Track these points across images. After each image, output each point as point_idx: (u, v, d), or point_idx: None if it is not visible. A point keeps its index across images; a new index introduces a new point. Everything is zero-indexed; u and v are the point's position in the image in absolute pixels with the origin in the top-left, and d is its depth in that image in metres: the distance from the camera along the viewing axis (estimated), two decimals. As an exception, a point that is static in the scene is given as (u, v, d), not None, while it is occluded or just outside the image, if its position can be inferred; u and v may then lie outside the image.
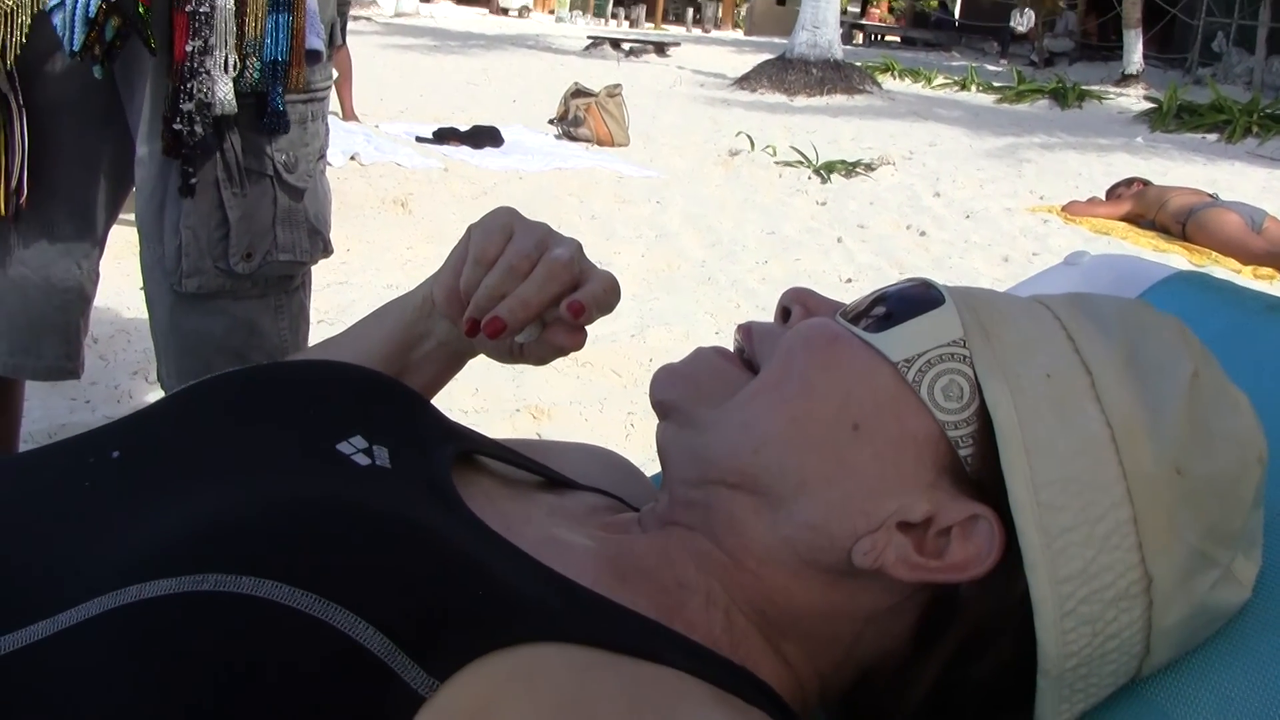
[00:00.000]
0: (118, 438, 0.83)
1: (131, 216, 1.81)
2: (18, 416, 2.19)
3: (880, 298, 0.85)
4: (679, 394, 0.86)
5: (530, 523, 0.82)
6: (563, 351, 0.91)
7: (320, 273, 1.83)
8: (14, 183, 1.75)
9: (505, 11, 30.25)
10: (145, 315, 1.86)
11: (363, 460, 0.79)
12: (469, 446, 0.90)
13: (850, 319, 0.84)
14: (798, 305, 0.89)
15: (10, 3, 1.58)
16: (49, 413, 3.13)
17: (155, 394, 1.85)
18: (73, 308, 1.96)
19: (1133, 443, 0.74)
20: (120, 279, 3.84)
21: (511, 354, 0.96)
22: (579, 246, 0.91)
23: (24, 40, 1.61)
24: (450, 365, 1.06)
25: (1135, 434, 0.74)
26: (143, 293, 1.85)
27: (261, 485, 0.74)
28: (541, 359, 0.95)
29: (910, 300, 0.83)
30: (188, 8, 1.55)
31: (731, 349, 0.90)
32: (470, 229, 0.92)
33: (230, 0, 1.56)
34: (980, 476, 0.76)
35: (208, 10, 1.55)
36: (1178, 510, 0.74)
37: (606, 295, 0.89)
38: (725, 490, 0.81)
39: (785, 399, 0.80)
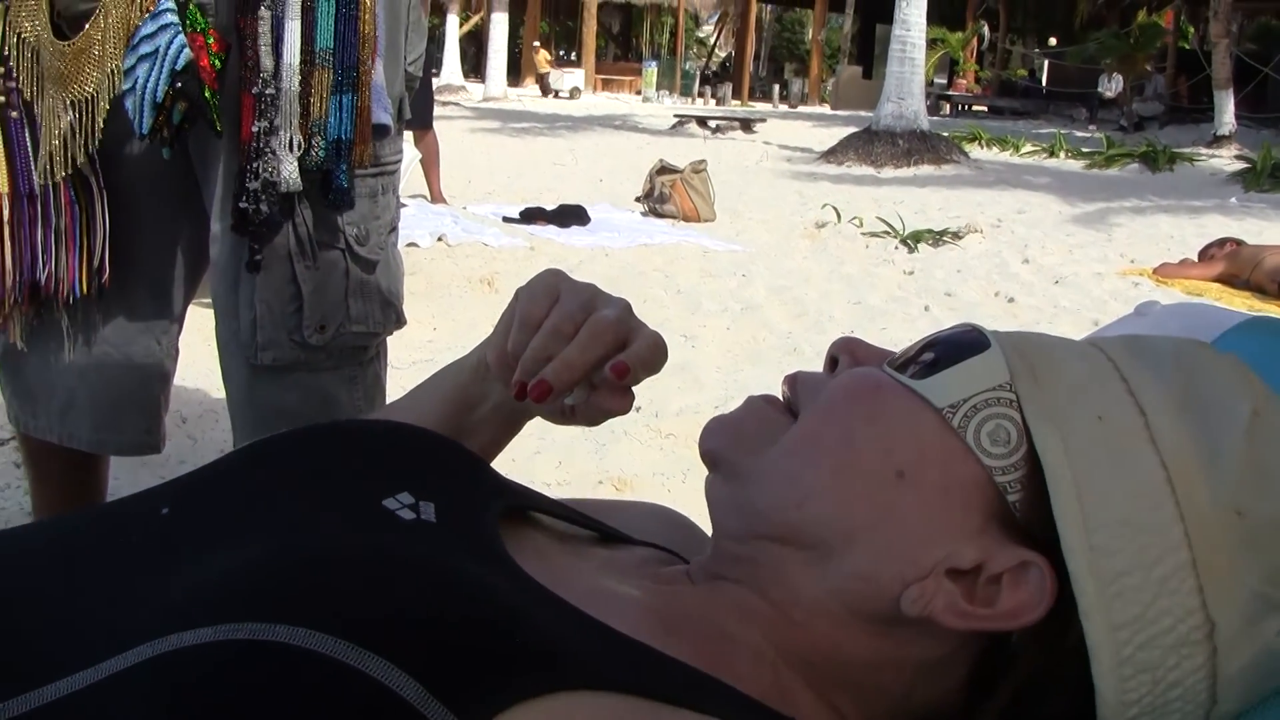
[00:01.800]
0: (169, 495, 0.85)
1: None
2: (104, 493, 2.23)
3: (927, 345, 0.84)
4: (724, 443, 0.85)
5: (578, 575, 0.82)
6: (611, 413, 0.91)
7: (407, 351, 1.85)
8: (96, 262, 1.79)
9: (555, 93, 30.36)
10: (228, 393, 1.89)
11: (408, 515, 0.80)
12: (521, 503, 0.91)
13: (896, 367, 0.83)
14: (845, 355, 0.89)
15: (91, 89, 1.63)
16: (137, 489, 3.17)
17: None
18: (153, 383, 2.00)
19: (1190, 484, 0.73)
20: (210, 360, 3.91)
21: (563, 415, 0.96)
22: (627, 306, 0.91)
23: (102, 125, 1.66)
24: (507, 427, 1.06)
25: (1192, 475, 0.73)
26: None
27: (302, 537, 0.75)
28: (592, 420, 0.94)
29: (957, 345, 0.82)
30: (254, 90, 1.59)
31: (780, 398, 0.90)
32: (518, 292, 0.93)
33: (295, 82, 1.60)
34: (1030, 522, 0.75)
35: (273, 93, 1.59)
36: (1239, 553, 0.72)
37: (652, 355, 0.89)
38: (772, 545, 0.80)
39: (828, 450, 0.79)
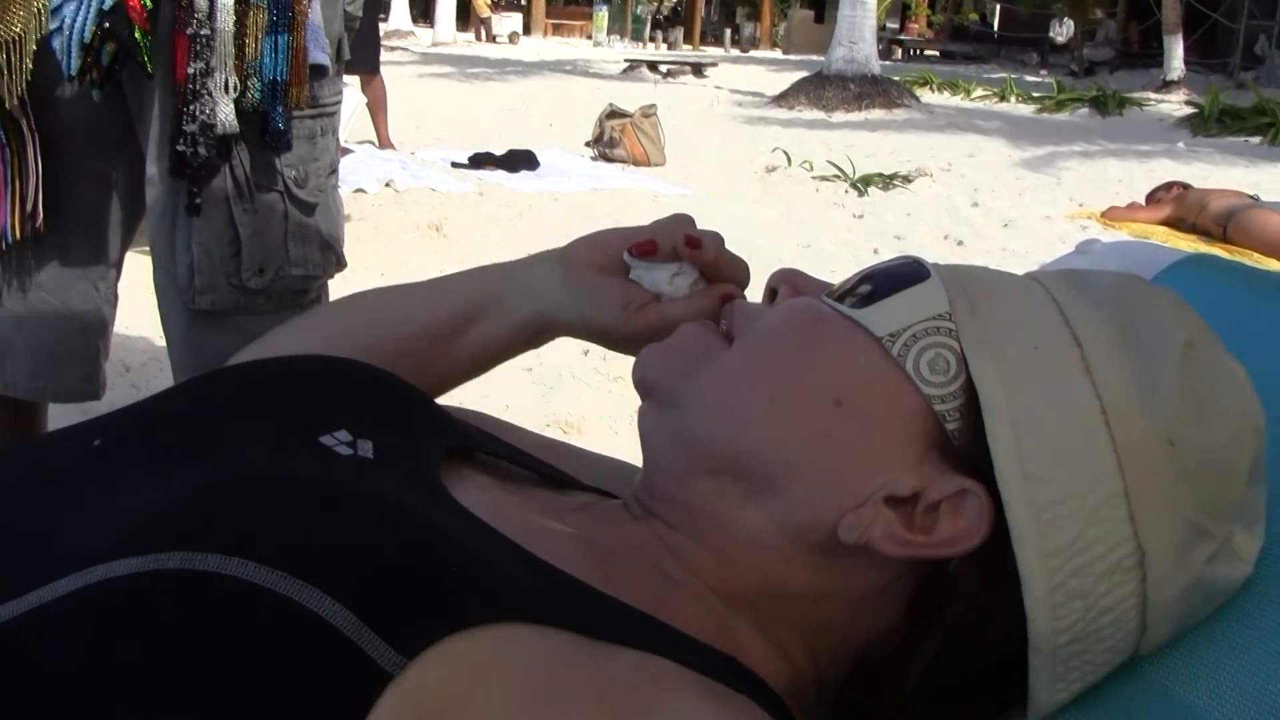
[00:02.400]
0: (101, 428, 0.83)
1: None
2: (43, 441, 2.20)
3: (866, 275, 0.84)
4: (658, 370, 0.85)
5: (519, 512, 0.81)
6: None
7: (339, 286, 1.83)
8: (29, 207, 1.76)
9: (495, 38, 29.79)
10: (173, 341, 1.87)
11: (345, 451, 0.79)
12: (465, 442, 0.89)
13: (835, 297, 0.83)
14: (785, 285, 0.88)
15: (18, 30, 1.59)
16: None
17: None
18: (92, 330, 1.97)
19: (1124, 415, 0.73)
20: (152, 309, 3.88)
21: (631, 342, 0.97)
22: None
23: (31, 66, 1.63)
24: (485, 361, 1.05)
25: (1126, 406, 0.73)
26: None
27: (234, 468, 0.74)
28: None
29: (896, 276, 0.82)
30: (188, 31, 1.56)
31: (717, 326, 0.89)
32: (677, 218, 0.99)
33: (230, 23, 1.57)
34: (969, 451, 0.75)
35: (208, 34, 1.56)
36: (1171, 482, 0.73)
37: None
38: (707, 480, 0.79)
39: (766, 378, 0.79)
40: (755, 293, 0.90)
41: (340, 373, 0.93)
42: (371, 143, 9.09)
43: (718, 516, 0.79)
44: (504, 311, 1.00)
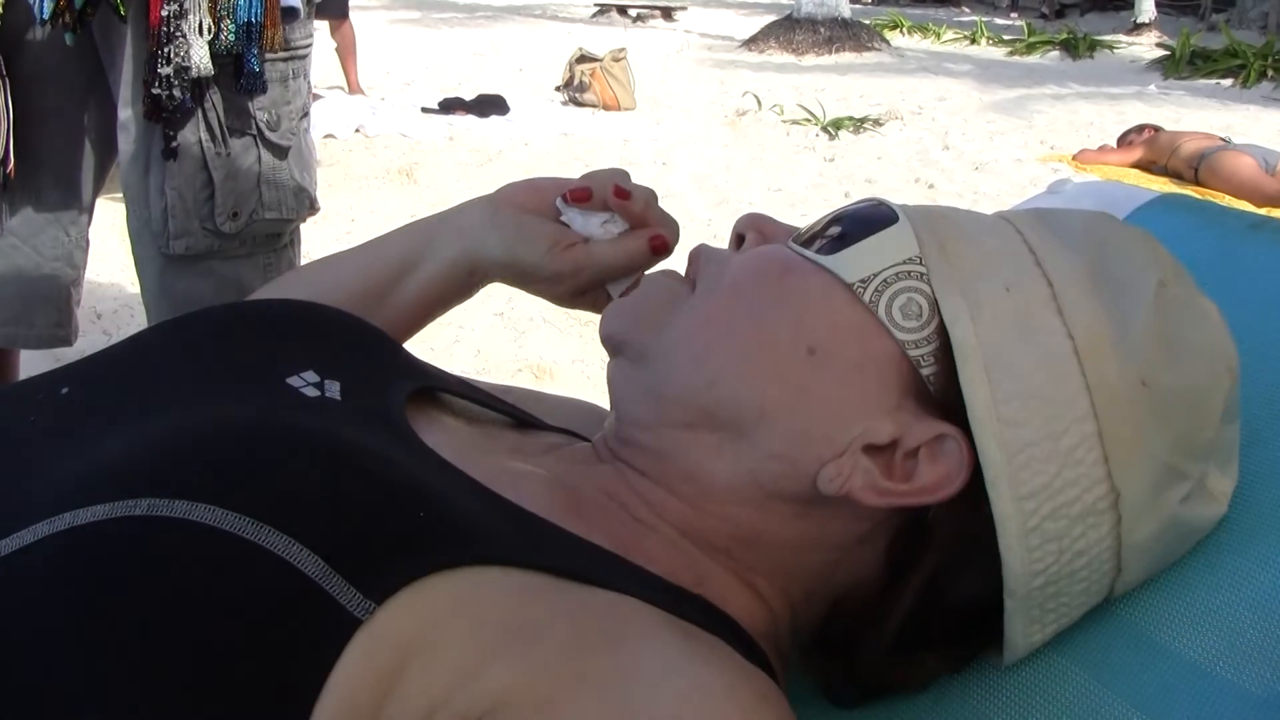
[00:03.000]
0: (69, 375, 0.82)
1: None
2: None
3: (834, 219, 0.83)
4: (626, 325, 0.84)
5: (487, 455, 0.81)
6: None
7: (324, 244, 1.83)
8: (1, 151, 1.75)
9: None
10: (146, 286, 1.86)
11: (312, 393, 0.78)
12: (432, 384, 0.89)
13: (803, 243, 0.82)
14: (752, 231, 0.87)
15: None
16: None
17: None
18: (63, 275, 1.97)
19: (1096, 355, 0.73)
20: (124, 255, 3.87)
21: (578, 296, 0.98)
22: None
23: (1, 11, 1.61)
24: (434, 306, 1.04)
25: (1099, 346, 0.73)
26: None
27: (202, 413, 0.74)
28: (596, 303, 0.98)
29: (864, 220, 0.81)
30: None
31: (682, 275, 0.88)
32: (613, 171, 0.97)
33: None
34: (946, 396, 0.75)
35: None
36: (1144, 423, 0.73)
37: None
38: (681, 432, 0.79)
39: (737, 329, 0.78)
40: (680, 259, 0.90)
41: (307, 315, 0.92)
42: (341, 88, 9.00)
43: (692, 468, 0.78)
44: (435, 257, 1.00)
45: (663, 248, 0.94)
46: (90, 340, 2.07)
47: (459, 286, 1.02)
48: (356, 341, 0.90)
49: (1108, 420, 0.72)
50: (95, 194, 1.99)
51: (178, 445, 0.68)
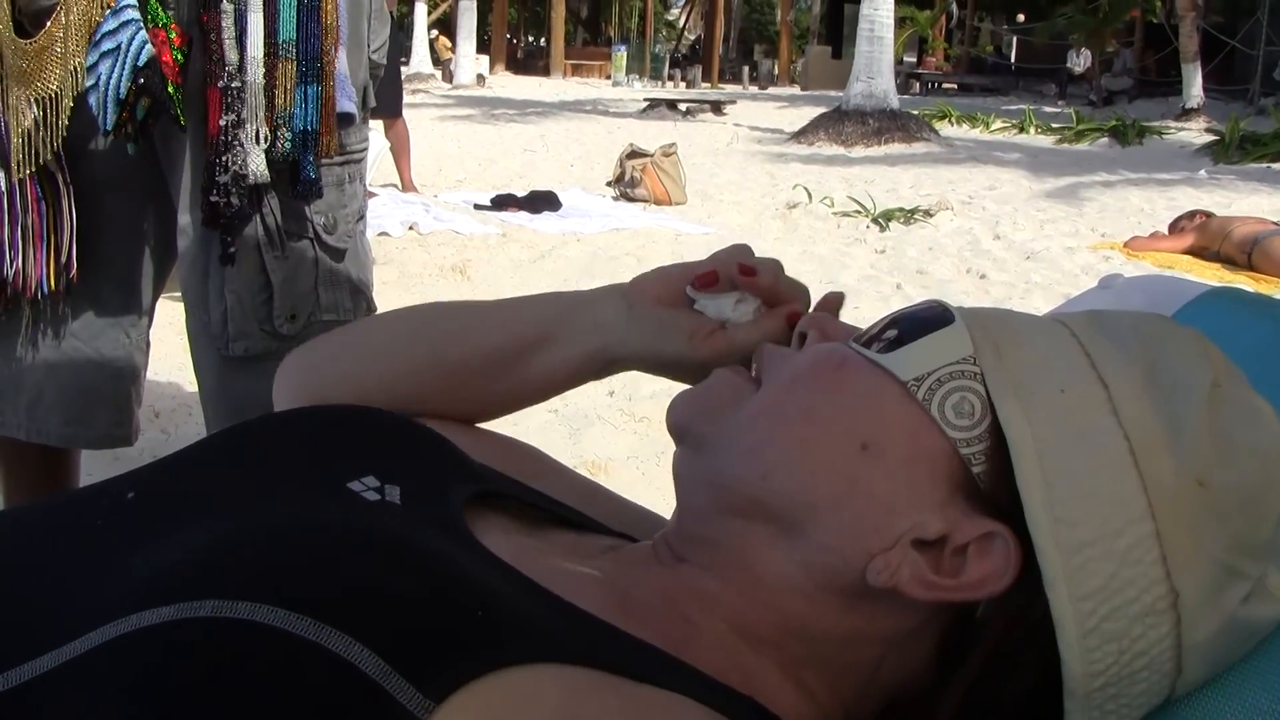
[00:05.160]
0: (135, 480, 0.84)
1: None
2: (75, 486, 2.23)
3: (892, 321, 0.84)
4: (690, 414, 0.86)
5: (543, 555, 0.82)
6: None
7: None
8: (64, 258, 1.79)
9: (452, 78, 28.43)
10: (203, 386, 1.89)
11: (372, 497, 0.80)
12: (489, 488, 0.90)
13: (862, 342, 0.83)
14: (814, 330, 0.89)
15: (54, 87, 1.63)
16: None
17: None
18: (123, 376, 2.00)
19: (1152, 455, 0.73)
20: (183, 353, 3.93)
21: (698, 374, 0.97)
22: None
23: (67, 123, 1.66)
24: (578, 380, 1.05)
25: (1155, 447, 0.73)
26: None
27: (265, 516, 0.75)
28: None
29: (920, 320, 0.83)
30: (220, 84, 1.59)
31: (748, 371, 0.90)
32: (735, 248, 0.99)
33: (260, 75, 1.59)
34: (995, 493, 0.75)
35: (239, 86, 1.59)
36: (1202, 523, 0.73)
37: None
38: (737, 522, 0.80)
39: (793, 422, 0.80)
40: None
41: (366, 421, 0.94)
42: (395, 186, 9.14)
43: (745, 557, 0.80)
44: (569, 342, 1.01)
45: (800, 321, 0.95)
46: (149, 438, 2.10)
47: (590, 375, 1.03)
48: (415, 447, 0.91)
49: (1165, 520, 0.72)
50: (155, 297, 2.03)
51: (240, 547, 0.69)
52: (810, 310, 0.97)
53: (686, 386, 0.92)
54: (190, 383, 3.88)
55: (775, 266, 0.97)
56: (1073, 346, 0.79)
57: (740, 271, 0.95)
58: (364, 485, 0.81)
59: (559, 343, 1.01)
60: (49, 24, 1.62)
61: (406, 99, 9.71)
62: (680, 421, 0.86)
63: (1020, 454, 0.74)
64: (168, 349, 2.06)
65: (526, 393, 1.05)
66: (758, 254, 0.96)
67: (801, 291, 0.98)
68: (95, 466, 2.95)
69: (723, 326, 0.96)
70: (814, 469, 0.78)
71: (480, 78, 27.91)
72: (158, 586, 0.65)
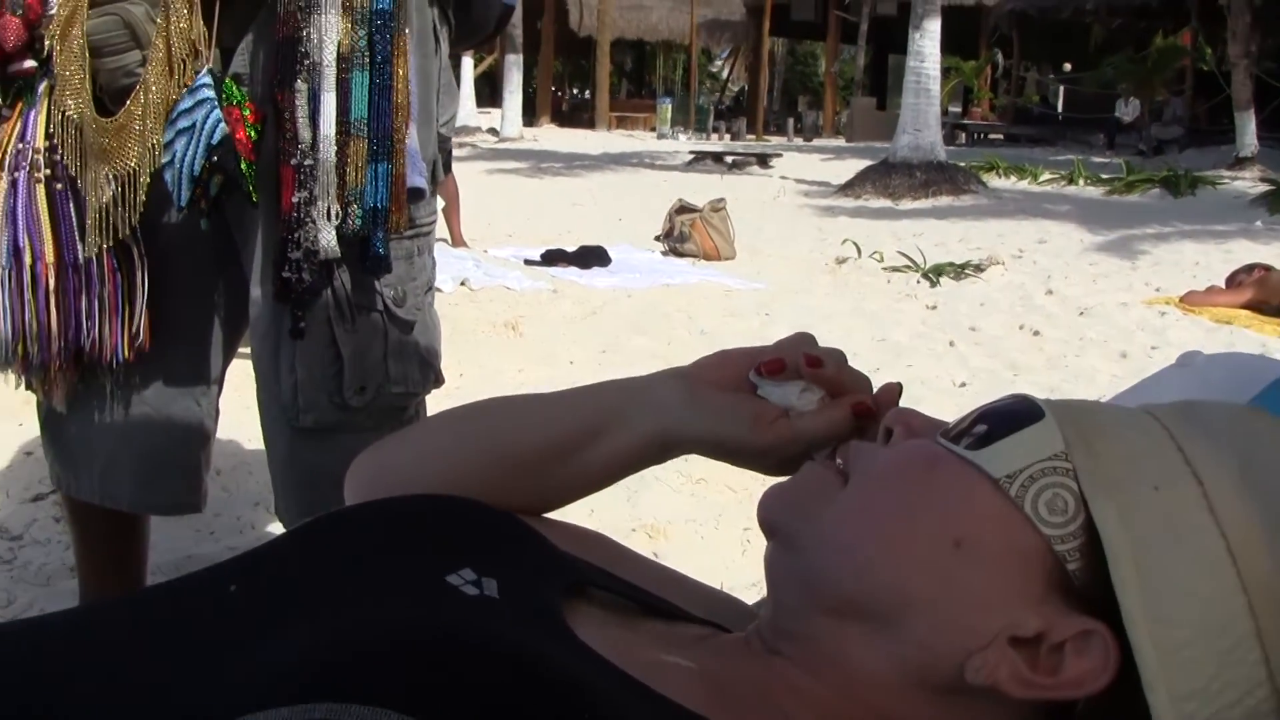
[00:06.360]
0: (236, 572, 0.86)
1: (249, 349, 1.88)
2: (145, 551, 2.27)
3: (980, 416, 0.85)
4: (780, 511, 0.86)
5: (638, 648, 0.83)
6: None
7: (434, 400, 1.87)
8: (135, 327, 1.82)
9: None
10: (266, 447, 1.91)
11: (471, 591, 0.81)
12: (579, 578, 0.91)
13: (951, 438, 0.84)
14: (900, 425, 0.89)
15: (133, 164, 1.66)
16: (175, 544, 3.20)
17: (277, 525, 1.92)
18: (194, 443, 2.03)
19: (1251, 553, 0.73)
20: (242, 411, 3.94)
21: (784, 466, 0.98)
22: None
23: (144, 199, 1.69)
24: (599, 480, 1.06)
25: (1253, 544, 0.73)
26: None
27: (370, 615, 0.77)
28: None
29: (1010, 416, 0.83)
30: (293, 161, 1.61)
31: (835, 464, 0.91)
32: (799, 336, 1.00)
33: (332, 153, 1.62)
34: (1091, 591, 0.75)
35: (311, 164, 1.61)
36: None
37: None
38: (830, 620, 0.81)
39: (885, 520, 0.80)
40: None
41: (459, 510, 0.95)
42: (445, 241, 9.19)
43: (840, 655, 0.80)
44: (627, 428, 1.01)
45: (865, 413, 0.95)
46: (210, 496, 2.12)
47: (650, 459, 1.03)
48: (507, 537, 0.93)
49: (1266, 619, 0.72)
50: (225, 366, 2.05)
51: (350, 649, 0.70)
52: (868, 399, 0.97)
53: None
54: (249, 440, 3.92)
55: (840, 357, 0.98)
56: (1165, 441, 0.79)
57: (806, 362, 0.96)
58: (462, 579, 0.82)
59: (620, 428, 1.02)
60: (129, 103, 1.65)
61: (454, 152, 9.78)
62: (770, 517, 0.87)
63: (1116, 553, 0.74)
64: (227, 406, 2.08)
65: (589, 481, 1.05)
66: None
67: (864, 383, 0.99)
68: (162, 525, 2.97)
69: (785, 414, 0.96)
70: (907, 567, 0.78)
71: (494, 131, 27.68)
72: (270, 687, 0.66)
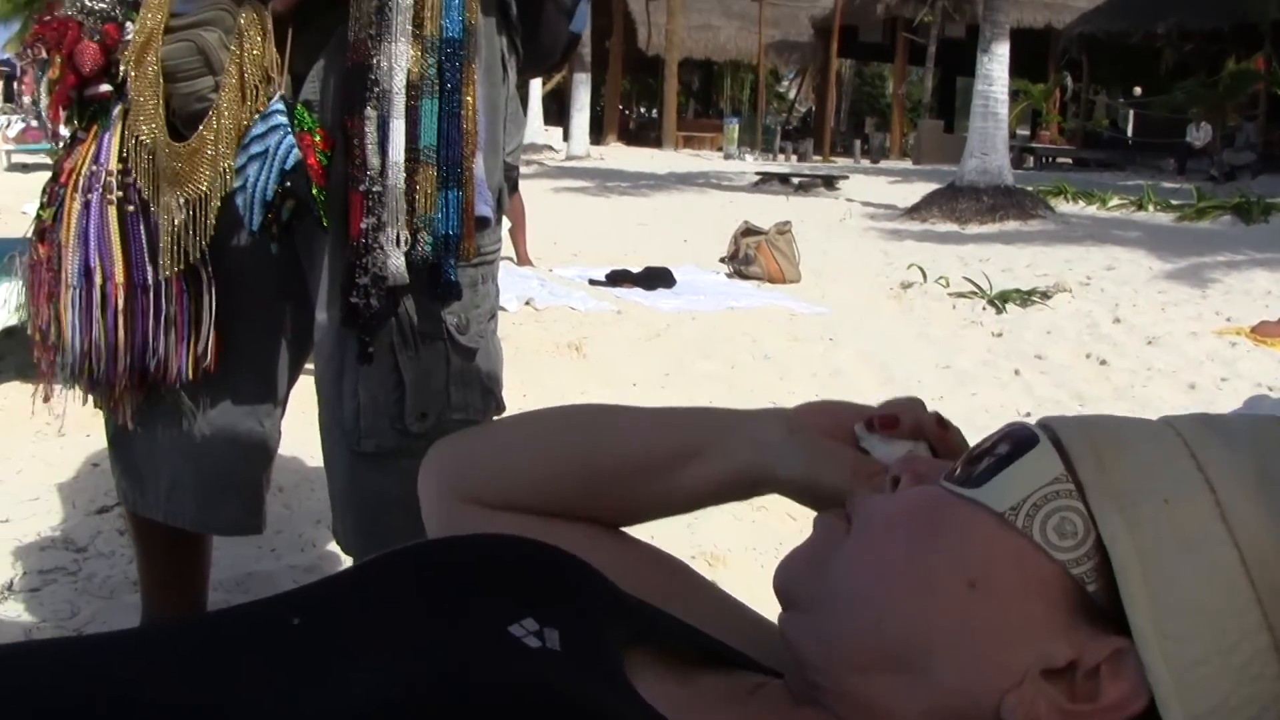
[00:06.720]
0: (300, 604, 0.87)
1: (313, 367, 1.89)
2: (207, 567, 2.29)
3: (980, 452, 0.84)
4: (794, 572, 0.86)
5: (695, 704, 0.83)
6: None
7: (496, 420, 1.88)
8: (202, 348, 1.84)
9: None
10: (326, 465, 1.92)
11: (533, 643, 0.81)
12: (642, 626, 0.91)
13: (954, 479, 0.83)
14: (907, 474, 0.89)
15: (204, 188, 1.68)
16: (236, 561, 3.23)
17: (337, 544, 1.95)
18: (257, 464, 2.05)
19: (1265, 564, 0.71)
20: (304, 428, 3.98)
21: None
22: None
23: (214, 222, 1.71)
24: (728, 495, 1.06)
25: (1267, 554, 0.71)
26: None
27: (432, 665, 0.76)
28: None
29: (1008, 447, 0.82)
30: (362, 187, 1.62)
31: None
32: (913, 400, 1.01)
33: (401, 180, 1.62)
34: (1115, 609, 0.74)
35: (380, 190, 1.62)
36: None
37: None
38: (856, 675, 0.80)
39: (895, 570, 0.80)
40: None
41: (522, 554, 0.95)
42: (511, 259, 9.24)
43: (872, 707, 0.79)
44: (722, 457, 1.01)
45: None
46: (271, 513, 2.14)
47: (739, 492, 1.04)
48: (571, 584, 0.92)
49: None
50: (289, 388, 2.07)
51: (413, 700, 0.70)
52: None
53: None
54: (310, 458, 3.95)
55: (959, 431, 0.98)
56: (1179, 450, 0.77)
57: (938, 422, 0.97)
58: (524, 629, 0.81)
59: (712, 456, 1.02)
60: (201, 128, 1.67)
61: (521, 170, 9.84)
62: (783, 582, 0.87)
63: (1124, 569, 0.73)
64: (289, 423, 2.10)
65: (672, 503, 1.05)
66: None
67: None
68: (223, 543, 3.00)
69: (885, 470, 0.96)
70: (925, 614, 0.77)
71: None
72: None
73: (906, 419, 0.97)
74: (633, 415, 1.10)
